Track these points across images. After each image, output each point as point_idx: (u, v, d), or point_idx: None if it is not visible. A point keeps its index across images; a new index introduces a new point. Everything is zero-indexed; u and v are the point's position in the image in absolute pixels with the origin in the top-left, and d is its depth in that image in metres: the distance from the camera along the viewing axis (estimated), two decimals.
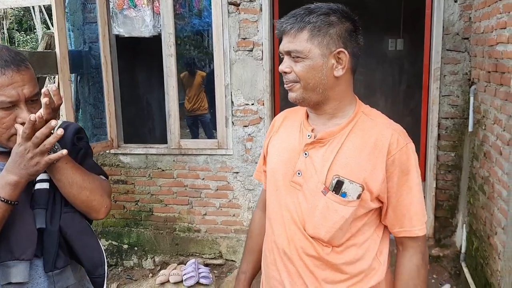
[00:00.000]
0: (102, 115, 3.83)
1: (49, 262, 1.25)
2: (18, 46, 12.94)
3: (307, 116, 1.27)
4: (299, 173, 1.21)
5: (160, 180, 3.81)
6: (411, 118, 5.42)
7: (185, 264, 3.44)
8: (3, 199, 1.12)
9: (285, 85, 1.20)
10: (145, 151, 3.80)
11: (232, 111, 3.57)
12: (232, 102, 3.56)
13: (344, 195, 1.15)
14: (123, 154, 3.83)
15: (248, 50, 3.46)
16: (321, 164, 1.18)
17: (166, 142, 3.78)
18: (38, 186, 1.27)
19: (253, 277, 1.54)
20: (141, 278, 3.67)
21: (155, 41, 3.75)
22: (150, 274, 3.68)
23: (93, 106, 3.97)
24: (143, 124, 5.29)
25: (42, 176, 1.25)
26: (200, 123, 6.41)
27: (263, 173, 1.45)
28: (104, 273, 1.39)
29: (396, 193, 1.17)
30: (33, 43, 13.16)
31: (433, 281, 3.28)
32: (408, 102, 6.01)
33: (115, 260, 3.89)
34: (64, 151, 1.16)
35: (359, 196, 1.15)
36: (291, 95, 1.18)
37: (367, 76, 5.96)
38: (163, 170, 3.80)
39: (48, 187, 1.27)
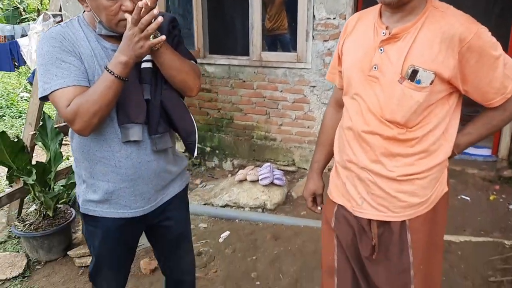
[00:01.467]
0: (190, 25, 4.08)
1: (152, 127, 1.56)
2: None
3: (380, 16, 1.39)
4: (375, 67, 1.36)
5: (241, 90, 4.07)
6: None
7: (260, 167, 3.76)
8: (116, 76, 1.38)
9: None
10: (228, 62, 4.04)
11: (313, 25, 3.64)
12: (314, 16, 3.62)
13: (418, 82, 1.30)
14: (208, 64, 4.11)
15: None
16: (397, 57, 1.32)
17: (248, 55, 3.99)
18: (143, 65, 1.55)
19: (324, 166, 1.75)
20: (221, 177, 4.08)
21: None
22: (229, 175, 4.08)
23: (182, 16, 4.22)
24: (227, 36, 5.51)
25: (147, 57, 1.50)
26: (279, 43, 6.50)
27: (337, 74, 1.60)
28: (195, 140, 1.71)
29: (476, 75, 1.29)
30: None
31: (501, 200, 3.34)
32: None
33: (199, 160, 4.33)
34: (163, 37, 1.39)
35: (432, 82, 1.29)
36: None
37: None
38: (244, 81, 4.04)
39: (151, 66, 1.54)
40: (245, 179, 3.65)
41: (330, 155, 1.70)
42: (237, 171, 3.88)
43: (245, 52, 4.05)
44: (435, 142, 1.38)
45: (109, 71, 1.38)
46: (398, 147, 1.38)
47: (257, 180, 3.60)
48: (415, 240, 1.46)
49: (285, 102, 3.96)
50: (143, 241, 2.93)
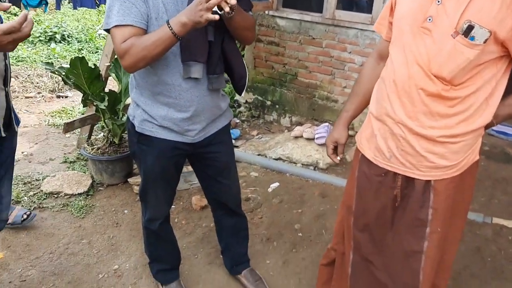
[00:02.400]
0: None
1: (211, 67, 1.71)
2: None
3: None
4: (429, 19, 1.32)
5: (309, 47, 4.04)
6: None
7: (318, 126, 3.77)
8: (173, 32, 1.47)
9: None
10: (300, 17, 4.00)
11: None
12: None
13: (472, 38, 1.25)
14: (280, 17, 4.08)
15: None
16: (454, 10, 1.27)
17: (321, 12, 3.92)
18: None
19: (353, 117, 1.74)
20: (277, 132, 4.14)
21: None
22: (286, 130, 4.12)
23: None
24: None
25: (215, 8, 1.57)
26: (354, 3, 6.28)
27: (386, 25, 1.56)
28: (245, 83, 1.85)
29: None
30: None
31: None
32: None
33: (258, 112, 4.41)
34: (233, 1, 1.44)
35: (485, 41, 1.24)
36: None
37: None
38: (313, 38, 3.99)
39: (217, 10, 1.64)
40: (301, 136, 3.68)
41: (362, 107, 1.70)
42: (294, 128, 3.92)
43: (319, 8, 3.97)
44: (477, 106, 1.35)
45: (169, 26, 1.48)
46: (439, 105, 1.35)
47: (313, 139, 3.63)
48: (436, 201, 1.46)
49: (352, 64, 3.88)
50: (196, 180, 3.11)
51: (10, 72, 1.74)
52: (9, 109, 1.72)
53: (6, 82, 1.69)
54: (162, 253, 2.18)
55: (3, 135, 1.66)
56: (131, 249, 2.54)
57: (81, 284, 2.28)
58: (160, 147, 1.80)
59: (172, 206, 2.91)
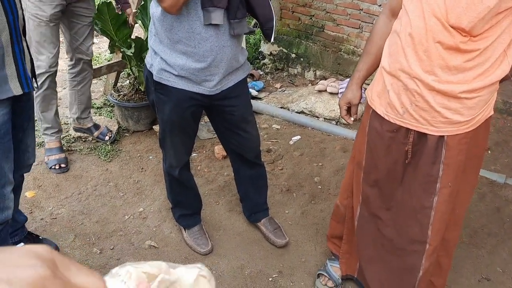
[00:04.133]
0: None
1: (232, 12, 1.68)
2: None
3: None
4: None
5: None
6: None
7: (342, 81, 3.73)
8: None
9: None
10: None
11: None
12: None
13: None
14: None
15: None
16: None
17: None
18: None
19: (366, 77, 1.71)
20: (301, 85, 4.12)
21: None
22: (310, 84, 4.09)
23: None
24: None
25: None
26: None
27: None
28: (273, 27, 1.82)
29: None
30: None
31: None
32: None
33: (282, 65, 4.36)
34: None
35: None
36: None
37: None
38: None
39: None
40: (325, 90, 3.66)
41: (375, 66, 1.67)
42: (318, 82, 3.88)
43: None
44: (495, 58, 1.32)
45: None
46: (457, 59, 1.32)
47: (337, 93, 3.60)
48: (449, 156, 1.46)
49: None
50: None
51: (25, 21, 1.70)
52: (32, 61, 1.70)
53: (25, 32, 1.66)
54: (183, 198, 2.26)
55: (35, 88, 1.63)
56: (155, 194, 2.64)
57: (108, 224, 2.40)
58: (177, 97, 1.82)
59: (195, 155, 2.98)
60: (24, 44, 1.61)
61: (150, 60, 1.82)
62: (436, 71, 1.36)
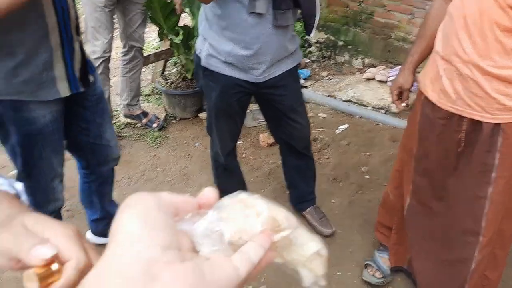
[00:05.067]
0: None
1: (276, 2, 1.66)
2: None
3: None
4: None
5: None
6: None
7: (392, 69, 3.61)
8: None
9: None
10: None
11: None
12: None
13: None
14: None
15: None
16: None
17: None
18: None
19: (419, 62, 1.64)
20: (348, 73, 4.02)
21: None
22: (358, 72, 3.99)
23: None
24: None
25: None
26: None
27: None
28: (314, 23, 1.80)
29: None
30: None
31: None
32: None
33: (329, 53, 4.28)
34: None
35: None
36: None
37: None
38: None
39: None
40: (373, 78, 3.55)
41: (428, 50, 1.59)
42: (366, 70, 3.77)
43: None
44: None
45: None
46: None
47: (386, 81, 3.49)
48: (506, 145, 1.37)
49: None
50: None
51: (78, 20, 1.63)
52: (84, 59, 1.62)
53: (78, 31, 1.59)
54: (229, 185, 2.27)
55: (82, 90, 1.59)
56: (201, 180, 2.67)
57: None
58: (224, 83, 1.83)
59: (240, 142, 2.98)
60: (76, 44, 1.56)
61: (200, 45, 1.84)
62: (492, 56, 1.28)
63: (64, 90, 1.52)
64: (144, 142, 3.02)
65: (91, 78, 1.66)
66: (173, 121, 3.27)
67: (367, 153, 2.91)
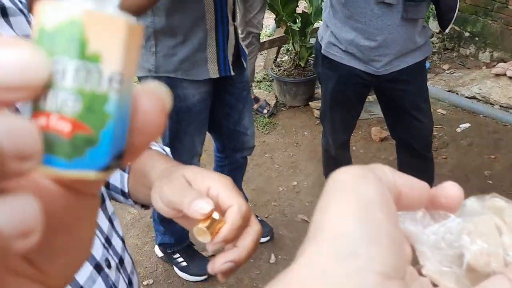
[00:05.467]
0: None
1: None
2: None
3: None
4: None
5: None
6: None
7: None
8: None
9: None
10: None
11: None
12: None
13: None
14: None
15: None
16: None
17: None
18: None
19: None
20: (473, 68, 3.69)
21: None
22: (484, 67, 3.64)
23: None
24: None
25: None
26: None
27: None
28: (452, 18, 1.65)
29: None
30: None
31: None
32: None
33: (452, 44, 3.96)
34: None
35: None
36: None
37: None
38: None
39: None
40: (504, 74, 3.21)
41: None
42: (496, 65, 3.42)
43: None
44: None
45: None
46: None
47: None
48: None
49: None
50: (377, 111, 3.00)
51: (236, 5, 1.67)
52: (237, 44, 1.67)
53: (234, 17, 1.64)
54: None
55: (232, 73, 1.63)
56: (309, 169, 2.65)
57: (263, 193, 2.48)
58: (342, 73, 1.77)
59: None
60: (231, 28, 1.59)
61: (322, 33, 1.81)
62: None
63: (213, 71, 1.59)
64: (255, 127, 3.07)
65: (244, 64, 1.71)
66: (283, 109, 3.28)
67: (491, 156, 2.65)
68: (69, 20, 0.16)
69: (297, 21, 2.79)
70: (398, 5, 1.56)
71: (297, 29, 2.79)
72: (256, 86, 3.54)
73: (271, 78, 3.49)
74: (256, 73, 3.77)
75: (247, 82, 1.81)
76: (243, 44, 2.92)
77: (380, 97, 1.94)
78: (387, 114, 1.98)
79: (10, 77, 0.15)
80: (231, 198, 0.49)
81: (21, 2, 0.63)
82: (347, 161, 2.17)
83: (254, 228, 0.51)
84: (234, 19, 1.62)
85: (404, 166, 2.16)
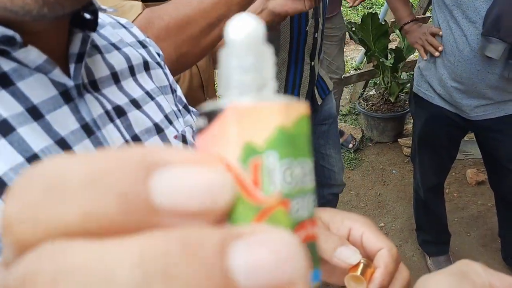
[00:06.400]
0: None
1: None
2: None
3: None
4: None
5: None
6: None
7: None
8: None
9: None
10: None
11: None
12: None
13: None
14: None
15: None
16: None
17: None
18: None
19: None
20: None
21: None
22: None
23: None
24: None
25: None
26: None
27: None
28: None
29: None
30: None
31: None
32: None
33: None
34: None
35: None
36: None
37: None
38: None
39: None
40: None
41: None
42: None
43: None
44: None
45: None
46: None
47: None
48: None
49: None
50: (473, 151, 2.81)
51: (321, 46, 1.59)
52: (312, 83, 1.59)
53: (313, 56, 1.54)
54: (427, 223, 2.09)
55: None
56: (397, 211, 2.53)
57: None
58: (431, 112, 1.69)
59: None
60: (306, 67, 1.52)
61: (417, 69, 1.76)
62: None
63: None
64: (343, 164, 3.01)
65: (319, 101, 1.67)
66: (369, 144, 3.19)
67: None
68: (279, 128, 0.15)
69: (389, 56, 2.72)
70: (499, 62, 1.41)
71: (390, 65, 2.73)
72: (341, 120, 3.49)
73: (357, 112, 3.42)
74: (342, 106, 3.72)
75: (327, 117, 1.75)
76: None
77: (478, 143, 1.82)
78: (485, 161, 1.85)
79: (194, 202, 0.13)
80: (379, 240, 0.45)
81: (158, 55, 0.67)
82: (439, 208, 2.04)
83: (403, 274, 0.46)
84: (312, 59, 1.54)
85: (501, 218, 1.99)
